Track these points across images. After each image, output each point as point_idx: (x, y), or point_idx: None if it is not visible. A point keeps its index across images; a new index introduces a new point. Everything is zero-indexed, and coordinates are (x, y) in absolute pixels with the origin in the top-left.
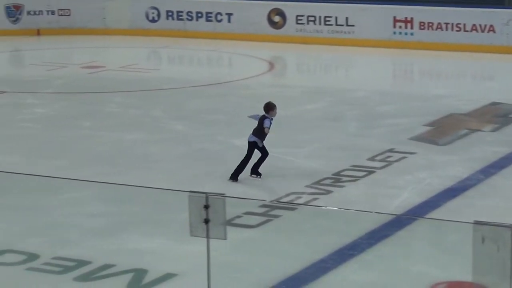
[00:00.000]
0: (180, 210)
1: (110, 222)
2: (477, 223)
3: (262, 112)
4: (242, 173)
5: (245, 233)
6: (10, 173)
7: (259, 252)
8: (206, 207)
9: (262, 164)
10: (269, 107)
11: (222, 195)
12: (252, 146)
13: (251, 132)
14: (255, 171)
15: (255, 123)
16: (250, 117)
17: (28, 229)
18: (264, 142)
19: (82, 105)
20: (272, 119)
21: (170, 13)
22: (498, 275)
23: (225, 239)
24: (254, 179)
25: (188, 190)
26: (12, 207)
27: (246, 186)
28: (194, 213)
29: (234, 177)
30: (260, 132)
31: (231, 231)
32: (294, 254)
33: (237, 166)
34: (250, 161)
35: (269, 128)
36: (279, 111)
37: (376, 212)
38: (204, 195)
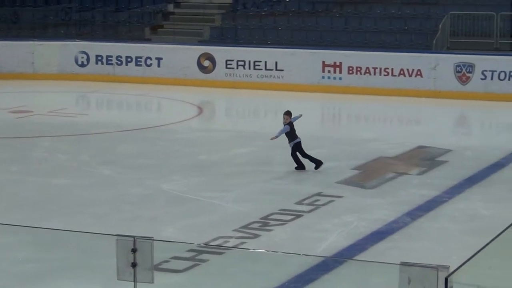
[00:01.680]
0: (109, 255)
1: (39, 268)
2: (403, 264)
3: None
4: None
5: (172, 278)
6: None
7: None
8: (134, 250)
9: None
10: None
11: (150, 238)
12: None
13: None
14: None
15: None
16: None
17: None
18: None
19: (9, 149)
20: (285, 124)
21: (99, 58)
22: None
23: (152, 282)
24: None
25: (116, 234)
26: None
27: (174, 231)
28: (122, 257)
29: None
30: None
31: (159, 276)
32: None
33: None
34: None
35: (277, 137)
36: (207, 156)
37: (304, 254)
38: (132, 238)
